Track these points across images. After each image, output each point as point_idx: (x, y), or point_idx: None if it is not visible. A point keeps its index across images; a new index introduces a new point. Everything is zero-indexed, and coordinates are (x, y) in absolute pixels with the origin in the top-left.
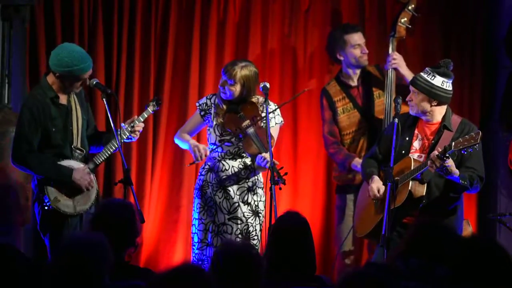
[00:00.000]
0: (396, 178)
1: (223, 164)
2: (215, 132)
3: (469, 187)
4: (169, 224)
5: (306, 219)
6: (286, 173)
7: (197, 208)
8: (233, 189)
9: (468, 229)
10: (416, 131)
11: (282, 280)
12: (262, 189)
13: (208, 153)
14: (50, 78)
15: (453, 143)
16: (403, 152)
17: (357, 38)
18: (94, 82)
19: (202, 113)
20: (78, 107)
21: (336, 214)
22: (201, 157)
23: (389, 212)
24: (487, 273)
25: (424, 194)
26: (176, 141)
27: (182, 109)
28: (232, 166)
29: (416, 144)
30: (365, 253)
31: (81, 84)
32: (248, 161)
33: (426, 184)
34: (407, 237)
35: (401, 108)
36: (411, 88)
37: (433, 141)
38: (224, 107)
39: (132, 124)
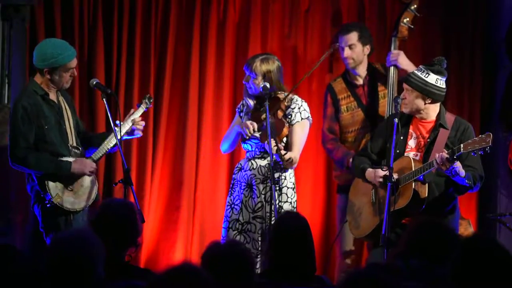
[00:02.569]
0: (396, 177)
1: (252, 163)
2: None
3: (473, 187)
4: (169, 224)
5: (306, 219)
6: (290, 159)
7: (226, 206)
8: (258, 188)
9: (469, 229)
10: (410, 130)
11: (282, 281)
12: (293, 190)
13: (256, 127)
14: (38, 79)
15: (462, 145)
16: (398, 151)
17: (340, 41)
18: (94, 82)
19: (241, 114)
20: (67, 107)
21: (337, 214)
22: (249, 132)
23: (389, 212)
24: (487, 273)
25: (427, 195)
26: (222, 146)
27: (182, 109)
28: (260, 165)
29: (411, 143)
30: (365, 253)
31: (70, 76)
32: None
33: (427, 185)
34: (406, 237)
35: (401, 108)
36: (405, 86)
37: (428, 140)
38: (252, 104)
39: (131, 120)
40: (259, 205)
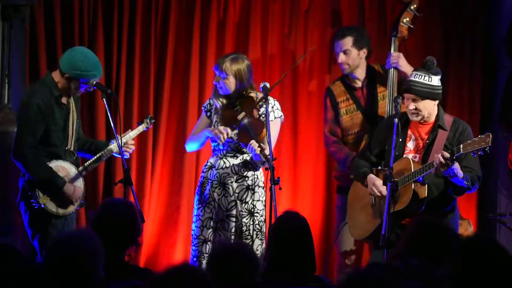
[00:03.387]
0: (395, 179)
1: (224, 162)
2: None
3: (471, 188)
4: (169, 224)
5: (306, 218)
6: (275, 158)
7: (196, 205)
8: (232, 187)
9: (469, 229)
10: (409, 132)
11: (282, 281)
12: (263, 188)
13: (230, 133)
14: (56, 77)
15: (461, 145)
16: (397, 153)
17: (335, 46)
18: (94, 82)
19: (208, 113)
20: (74, 110)
21: (336, 214)
22: (223, 138)
23: (389, 212)
24: (487, 273)
25: (426, 196)
26: (188, 145)
27: (182, 109)
28: (233, 164)
29: (410, 145)
30: (366, 253)
31: (85, 90)
32: (248, 158)
33: (426, 186)
34: (405, 237)
35: (401, 108)
36: (410, 96)
37: (427, 141)
38: (222, 104)
39: (125, 140)
40: (233, 203)
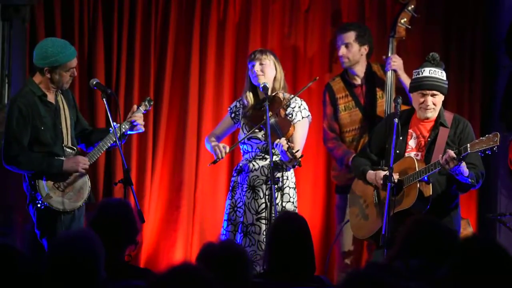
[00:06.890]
0: (398, 178)
1: (253, 165)
2: (243, 131)
3: (475, 185)
4: (169, 224)
5: (305, 218)
6: (302, 156)
7: (227, 209)
8: (262, 189)
9: (468, 229)
10: (410, 130)
11: (281, 281)
12: (294, 189)
13: (227, 150)
14: (37, 78)
15: (469, 145)
16: (398, 151)
17: (337, 40)
18: (94, 82)
19: (233, 115)
20: (65, 106)
21: (336, 214)
22: (221, 155)
23: (389, 212)
24: (487, 273)
25: (431, 194)
26: (206, 144)
27: (182, 109)
28: (262, 166)
29: (411, 143)
30: (365, 253)
31: (70, 76)
32: (278, 159)
33: (431, 184)
34: (402, 236)
35: (401, 108)
36: (430, 92)
37: (429, 139)
38: (250, 104)
39: (128, 121)
40: (263, 206)
